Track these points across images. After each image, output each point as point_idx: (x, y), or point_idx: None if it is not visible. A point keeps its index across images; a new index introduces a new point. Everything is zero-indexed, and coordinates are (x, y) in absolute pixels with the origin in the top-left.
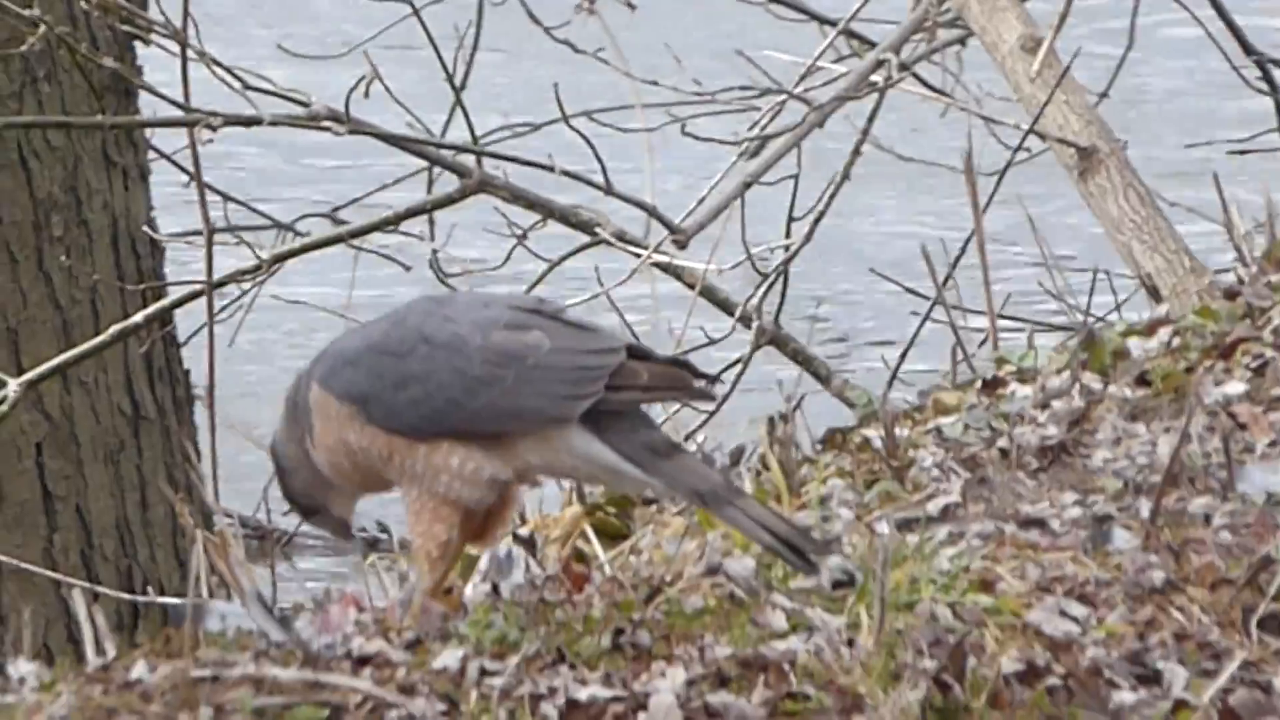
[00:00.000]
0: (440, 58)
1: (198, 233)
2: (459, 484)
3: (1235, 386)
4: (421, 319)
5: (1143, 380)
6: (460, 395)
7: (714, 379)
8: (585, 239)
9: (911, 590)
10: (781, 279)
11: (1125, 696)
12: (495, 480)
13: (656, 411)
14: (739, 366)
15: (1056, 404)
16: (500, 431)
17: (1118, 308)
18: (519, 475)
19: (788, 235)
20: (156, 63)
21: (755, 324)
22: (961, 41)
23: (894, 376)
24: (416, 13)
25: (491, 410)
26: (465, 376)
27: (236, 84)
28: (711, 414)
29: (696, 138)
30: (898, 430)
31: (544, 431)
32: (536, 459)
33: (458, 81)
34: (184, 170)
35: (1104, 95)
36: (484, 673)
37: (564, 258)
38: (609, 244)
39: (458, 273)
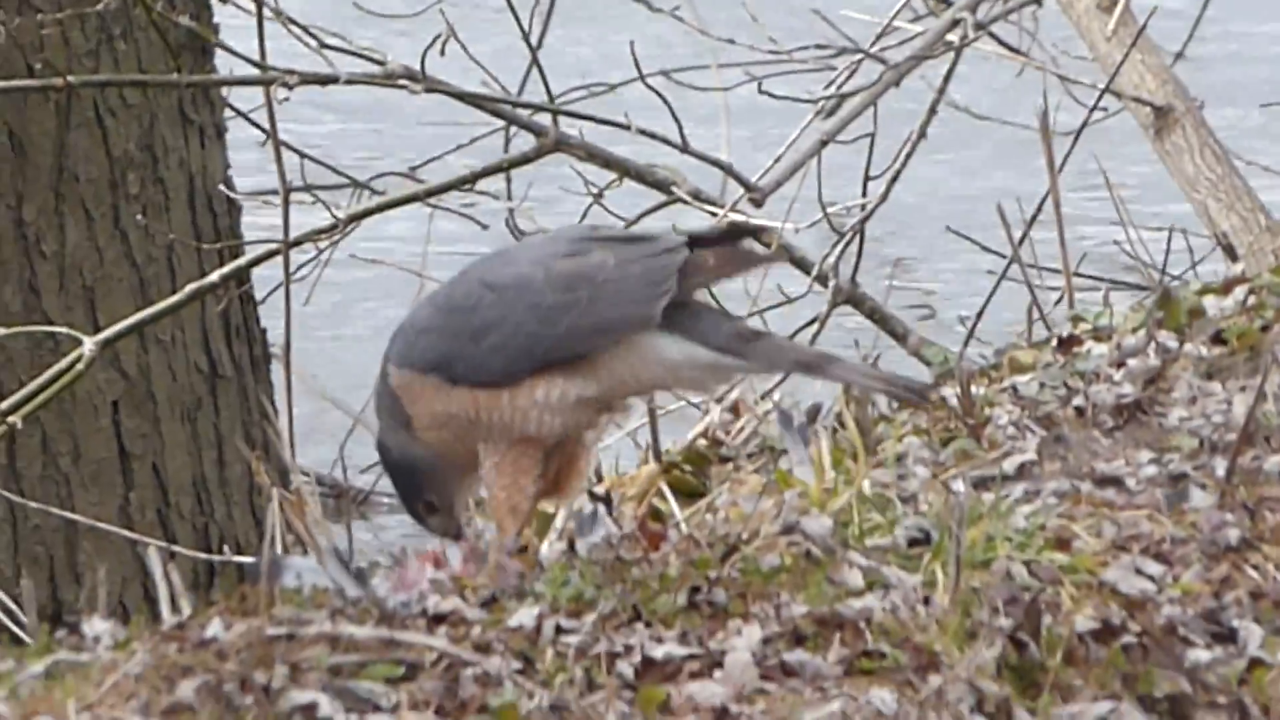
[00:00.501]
0: (516, 17)
1: (274, 191)
2: (549, 415)
3: None
4: (481, 270)
5: (1218, 339)
6: (539, 327)
7: (768, 230)
8: (661, 197)
9: (987, 548)
10: (858, 238)
11: (1200, 655)
12: (582, 400)
13: None
14: (815, 325)
15: (1132, 362)
16: (587, 351)
17: (1193, 266)
18: (608, 394)
19: (864, 194)
20: (233, 21)
21: (832, 283)
22: (1037, 1)
23: (970, 335)
24: None
25: (574, 332)
26: (540, 309)
27: (312, 43)
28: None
29: (773, 96)
30: (974, 388)
31: (630, 340)
32: (626, 371)
33: (534, 41)
34: (260, 128)
35: (1179, 55)
36: (560, 631)
37: (640, 216)
38: (685, 202)
39: (534, 231)
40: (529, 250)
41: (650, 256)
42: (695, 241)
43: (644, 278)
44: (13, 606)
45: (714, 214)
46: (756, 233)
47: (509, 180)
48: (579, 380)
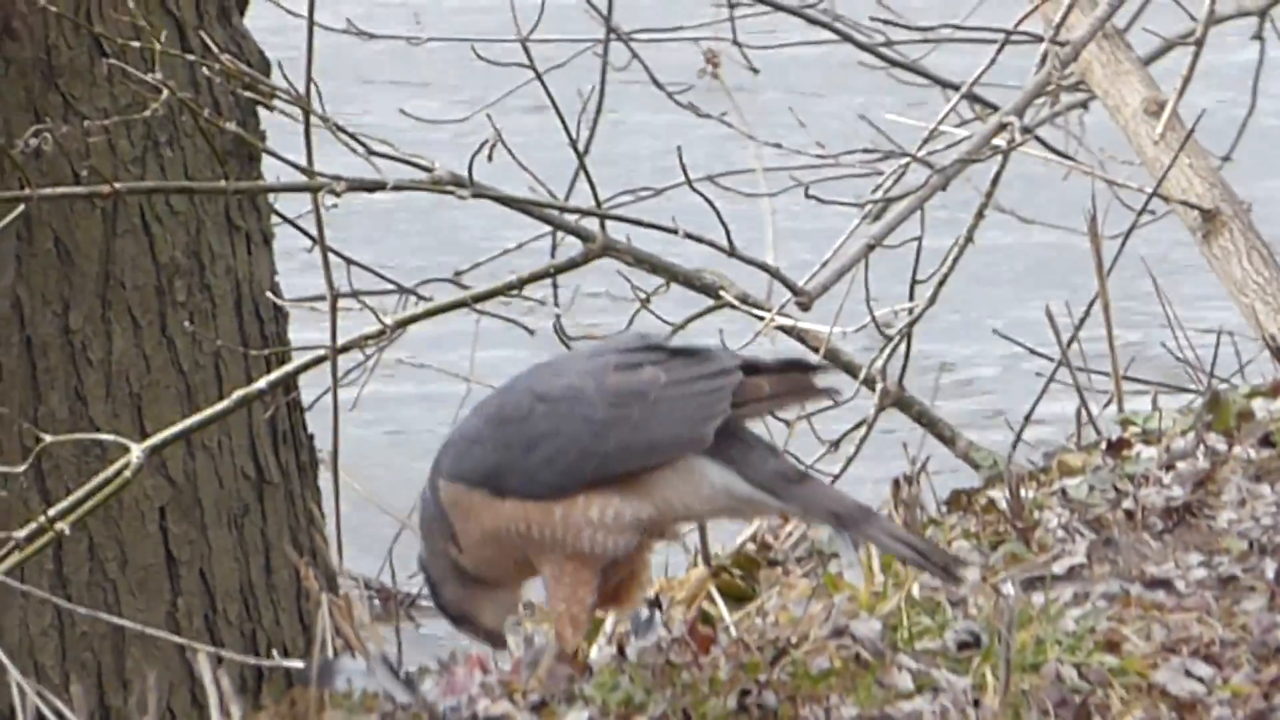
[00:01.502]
0: (563, 121)
1: (321, 298)
2: (602, 535)
3: None
4: (530, 380)
5: (1268, 441)
6: (591, 442)
7: (825, 368)
8: (709, 302)
9: (1037, 651)
10: (905, 341)
11: None
12: (638, 521)
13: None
14: (863, 429)
15: (1181, 465)
16: (637, 469)
17: (1242, 370)
18: (658, 517)
19: (911, 298)
20: (280, 127)
21: (879, 386)
22: (1084, 105)
23: (1019, 438)
24: (539, 76)
25: (625, 449)
26: (592, 422)
27: (360, 149)
28: (837, 476)
29: (820, 200)
30: (1023, 492)
31: (679, 463)
32: (674, 495)
33: (581, 145)
34: (307, 235)
35: (1227, 158)
36: None
37: (687, 321)
38: (732, 307)
39: (581, 337)
40: (578, 362)
41: (704, 378)
42: (750, 369)
43: (697, 399)
44: (63, 712)
45: (761, 318)
46: (812, 367)
47: (555, 285)
48: (633, 500)
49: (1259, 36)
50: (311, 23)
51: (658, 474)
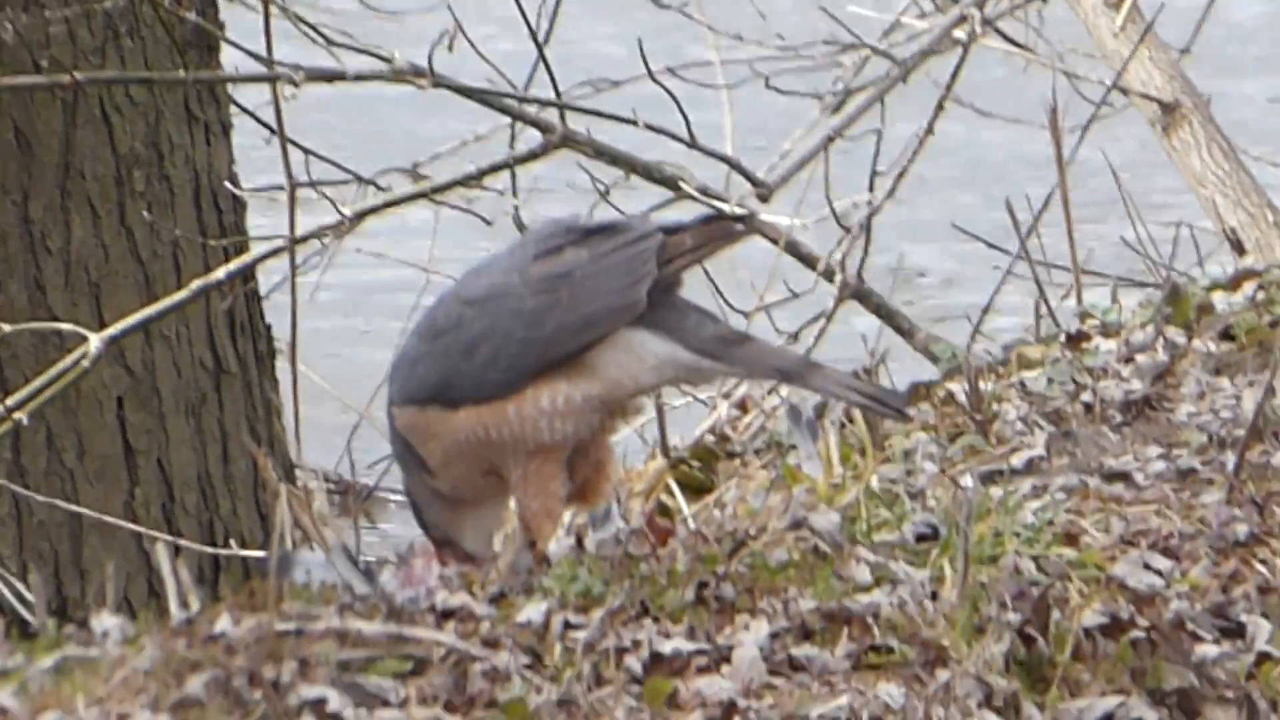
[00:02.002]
0: (523, 12)
1: (280, 188)
2: (559, 421)
3: None
4: (456, 288)
5: (1227, 335)
6: (527, 331)
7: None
8: (668, 194)
9: (995, 544)
10: (864, 234)
11: (1208, 649)
12: (589, 400)
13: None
14: (822, 322)
15: (1140, 358)
16: (577, 348)
17: (1201, 263)
18: (607, 395)
19: (871, 190)
20: (240, 18)
21: (838, 278)
22: None
23: (977, 331)
24: None
25: (562, 330)
26: (524, 313)
27: (320, 39)
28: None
29: (780, 92)
30: (982, 384)
31: (618, 338)
32: (619, 370)
33: (541, 36)
34: (266, 125)
35: (1186, 51)
36: (568, 626)
37: (647, 212)
38: (692, 199)
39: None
40: (499, 260)
41: (625, 246)
42: (669, 230)
43: (622, 267)
44: (19, 602)
45: (720, 210)
46: (733, 217)
47: (514, 178)
48: (580, 382)
49: None
50: None
51: (599, 351)
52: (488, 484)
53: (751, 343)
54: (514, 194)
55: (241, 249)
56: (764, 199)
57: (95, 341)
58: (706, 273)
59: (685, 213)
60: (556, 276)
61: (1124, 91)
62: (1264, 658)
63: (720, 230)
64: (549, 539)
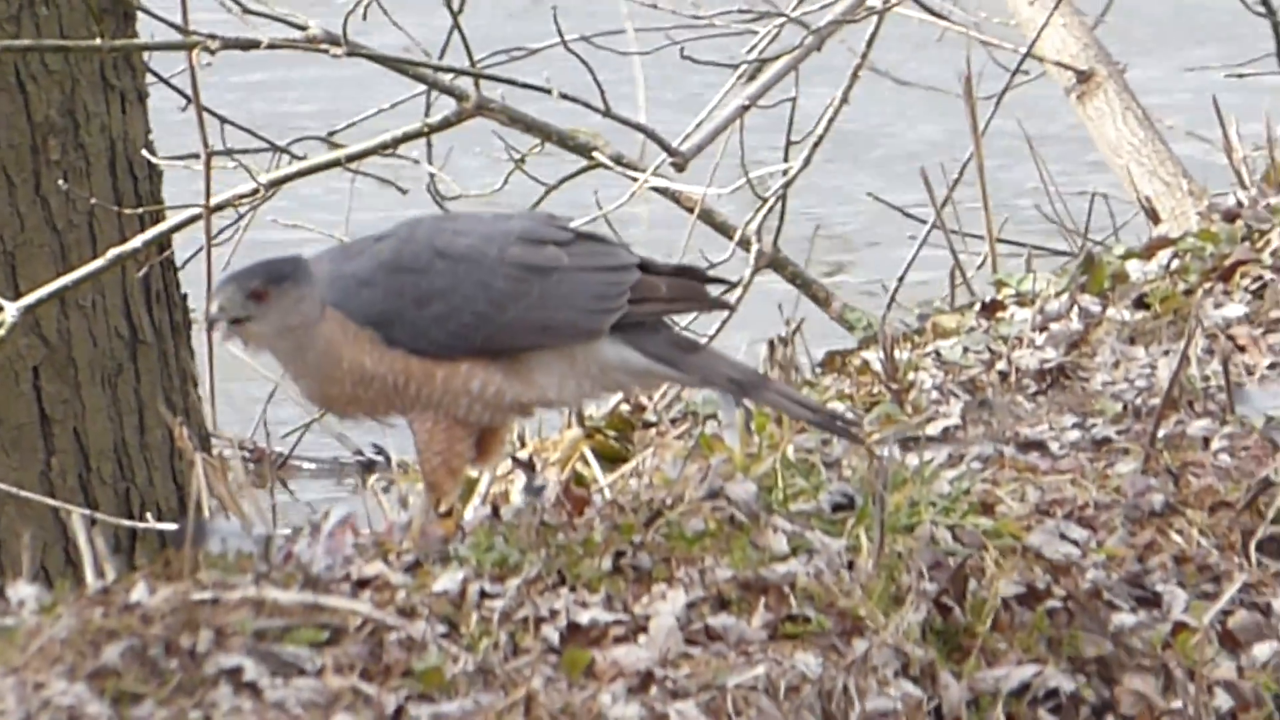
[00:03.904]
0: None
1: (195, 156)
2: (479, 408)
3: (1234, 309)
4: (431, 234)
5: (1141, 303)
6: (487, 309)
7: (729, 287)
8: (583, 162)
9: (911, 513)
10: (780, 202)
11: (1125, 619)
12: (516, 403)
13: None
14: (738, 290)
15: (1055, 327)
16: (525, 347)
17: (1116, 231)
18: (536, 401)
19: (786, 159)
20: None
21: (754, 247)
22: None
23: (893, 299)
24: None
25: (519, 325)
26: (490, 289)
27: (235, 7)
28: (712, 337)
29: (695, 60)
30: (897, 353)
31: (570, 347)
32: (558, 382)
33: (455, 4)
34: (182, 94)
35: (1101, 18)
36: (484, 595)
37: (562, 181)
38: (607, 167)
39: (455, 197)
40: (482, 224)
41: (606, 269)
42: (645, 268)
43: (596, 289)
44: None
45: (636, 178)
46: (708, 278)
47: (430, 145)
48: (515, 383)
49: None
50: None
51: (544, 358)
52: (364, 406)
53: (705, 351)
54: (429, 162)
55: (157, 218)
56: (679, 168)
57: (11, 310)
58: (620, 241)
59: (602, 181)
60: (533, 268)
61: (1039, 59)
62: (1180, 627)
63: (692, 292)
64: (449, 494)
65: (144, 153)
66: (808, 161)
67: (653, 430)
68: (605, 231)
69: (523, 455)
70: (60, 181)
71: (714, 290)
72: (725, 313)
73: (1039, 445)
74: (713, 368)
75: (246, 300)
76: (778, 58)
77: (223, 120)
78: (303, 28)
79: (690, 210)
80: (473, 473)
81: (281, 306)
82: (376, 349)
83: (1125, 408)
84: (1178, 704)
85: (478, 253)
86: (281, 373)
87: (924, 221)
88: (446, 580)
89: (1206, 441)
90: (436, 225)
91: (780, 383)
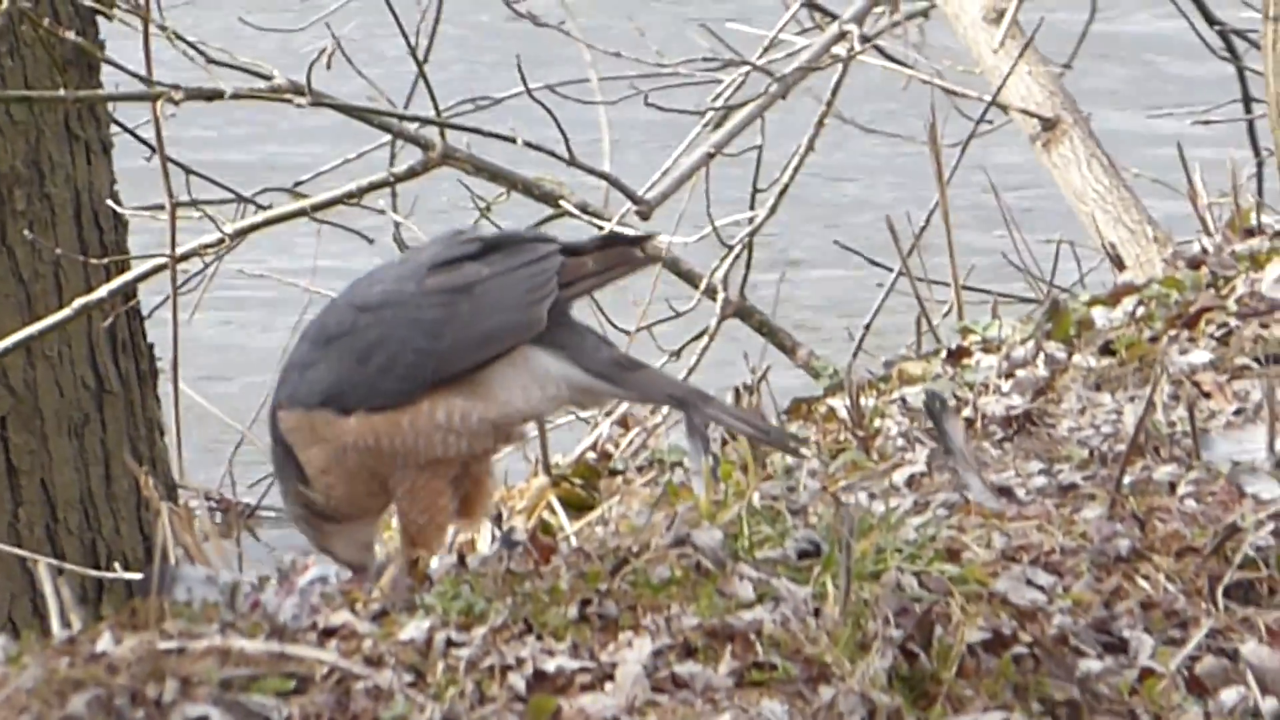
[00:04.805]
0: (403, 30)
1: (160, 206)
2: (453, 438)
3: (1200, 355)
4: (348, 295)
5: (1107, 350)
6: (425, 341)
7: (650, 236)
8: (549, 210)
9: (878, 560)
10: (746, 251)
11: (1092, 665)
12: (484, 422)
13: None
14: (705, 339)
15: (1021, 373)
16: (475, 364)
17: (1082, 279)
18: (501, 417)
19: (752, 207)
20: (119, 37)
21: (721, 296)
22: (924, 14)
23: (859, 347)
24: None
25: (461, 344)
26: (421, 323)
27: (199, 58)
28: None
29: (660, 109)
30: (863, 400)
31: (516, 357)
32: (515, 392)
33: (420, 54)
34: (146, 144)
35: (1067, 66)
36: (451, 644)
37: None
38: (572, 215)
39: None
40: (391, 269)
41: (526, 265)
42: (570, 251)
43: (523, 285)
44: None
45: (601, 227)
46: (634, 241)
47: (394, 195)
48: (477, 402)
49: None
50: None
51: (497, 370)
52: (364, 496)
53: (646, 369)
54: (394, 211)
55: (123, 267)
56: (644, 216)
57: None
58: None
59: (567, 230)
60: (454, 290)
61: (1003, 108)
62: (1147, 673)
63: (621, 256)
64: (436, 553)
65: (109, 203)
66: (774, 209)
67: (619, 478)
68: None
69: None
70: (26, 232)
71: (648, 250)
72: (654, 267)
73: (1005, 491)
74: (653, 384)
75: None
76: (743, 105)
77: (188, 171)
78: (267, 77)
79: (658, 260)
80: (460, 530)
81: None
82: (336, 423)
83: (1091, 454)
84: None
85: (396, 295)
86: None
87: (890, 269)
88: (413, 629)
89: (1173, 487)
90: (351, 286)
91: (721, 400)
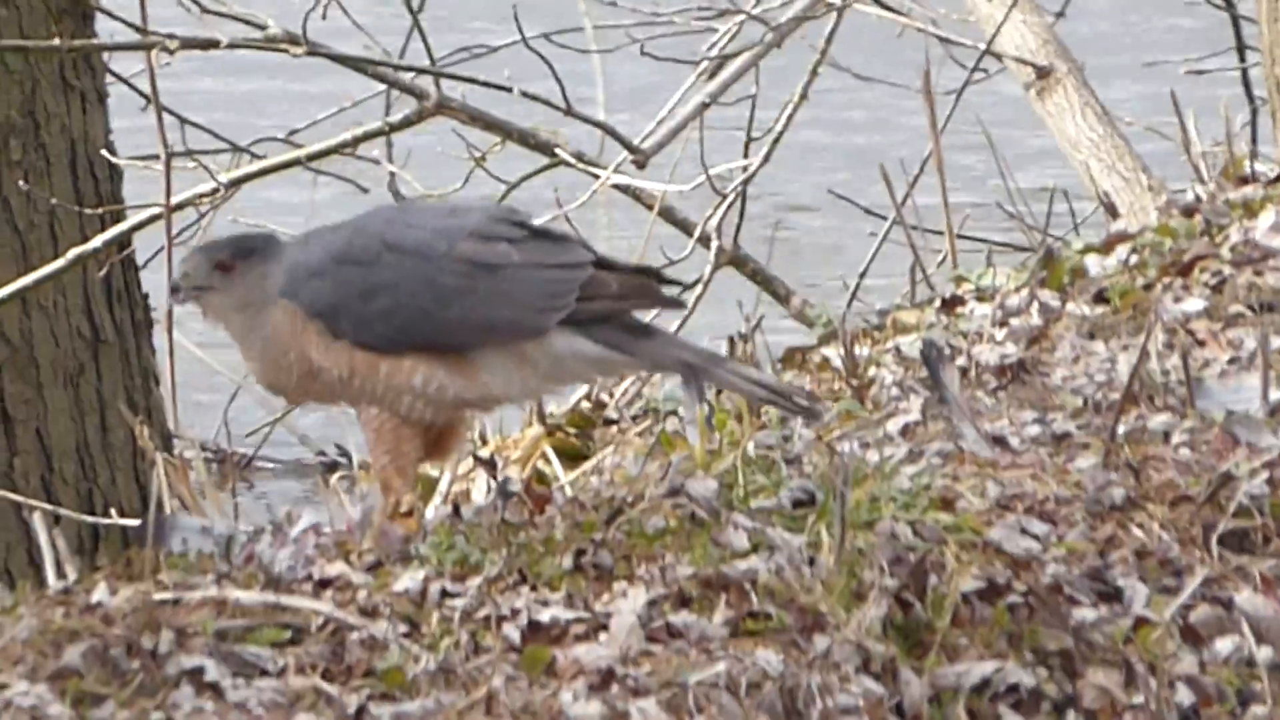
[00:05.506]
0: None
1: (155, 156)
2: (421, 404)
3: (1194, 303)
4: (383, 226)
5: (1101, 298)
6: (431, 305)
7: (684, 287)
8: (544, 160)
9: (872, 509)
10: (740, 199)
11: (1086, 613)
12: (459, 400)
13: None
14: (699, 287)
15: (1015, 322)
16: (470, 344)
17: (1076, 227)
18: (479, 399)
19: (746, 155)
20: None
21: (715, 244)
22: None
23: (853, 296)
24: None
25: (464, 322)
26: (435, 285)
27: (193, 7)
28: (675, 332)
29: (655, 57)
30: (857, 349)
31: (514, 345)
32: (502, 380)
33: (414, 3)
34: (141, 94)
35: (1060, 14)
36: (445, 594)
37: (522, 179)
38: (568, 164)
39: (416, 195)
40: (435, 218)
41: (556, 266)
42: (601, 264)
43: (545, 286)
44: None
45: (596, 176)
46: (663, 278)
47: (390, 144)
48: (458, 379)
49: None
50: None
51: (489, 354)
52: (303, 394)
53: (656, 334)
54: (389, 161)
55: (118, 217)
56: (640, 165)
57: None
58: (581, 239)
59: (563, 181)
60: (480, 265)
61: (997, 56)
62: (1141, 621)
63: (644, 288)
64: (400, 494)
65: (104, 153)
66: (767, 158)
67: (614, 428)
68: (566, 228)
69: (484, 454)
70: (21, 182)
71: (670, 291)
72: (681, 311)
73: (999, 440)
74: (664, 351)
75: (212, 270)
76: (738, 54)
77: (183, 120)
78: (262, 27)
79: (650, 208)
80: (433, 471)
81: (245, 281)
82: (323, 341)
83: (1085, 402)
84: (1139, 699)
85: (427, 247)
86: (245, 374)
87: (884, 217)
88: (408, 580)
89: (1167, 436)
90: (390, 216)
91: (734, 361)
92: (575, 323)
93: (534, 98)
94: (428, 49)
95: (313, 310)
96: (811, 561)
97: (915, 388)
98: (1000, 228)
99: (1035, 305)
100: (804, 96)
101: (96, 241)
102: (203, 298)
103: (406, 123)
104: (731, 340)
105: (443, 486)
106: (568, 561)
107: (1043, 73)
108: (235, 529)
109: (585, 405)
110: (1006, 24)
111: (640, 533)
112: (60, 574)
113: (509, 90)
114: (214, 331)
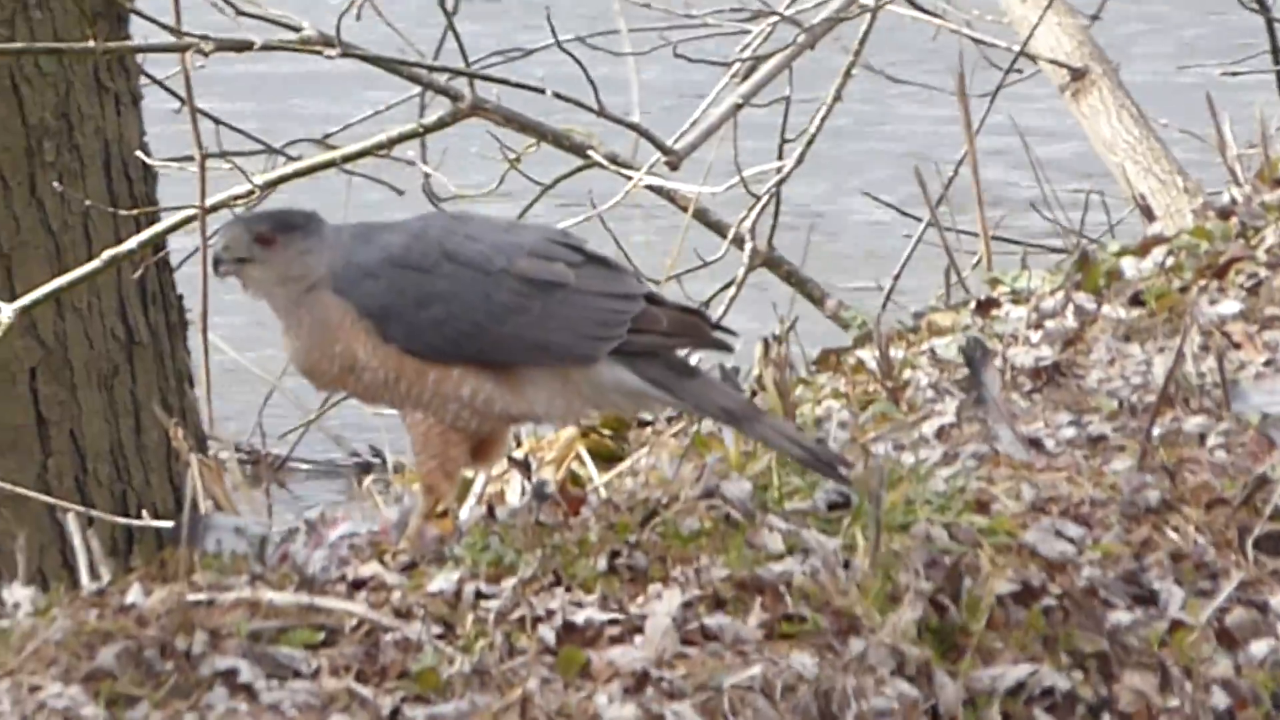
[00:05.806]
0: None
1: (190, 158)
2: (467, 414)
3: (1230, 306)
4: (442, 234)
5: (1136, 300)
6: (485, 319)
7: (733, 333)
8: (578, 162)
9: (907, 511)
10: (774, 200)
11: (1121, 616)
12: (506, 414)
13: None
14: (733, 288)
15: (1050, 324)
16: (519, 361)
17: (1111, 229)
18: (526, 414)
19: (780, 157)
20: None
21: (748, 246)
22: None
23: (888, 298)
24: None
25: (517, 340)
26: (491, 300)
27: (228, 9)
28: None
29: (689, 59)
30: (892, 351)
31: (562, 368)
32: (549, 398)
33: (450, 5)
34: (176, 95)
35: (1095, 17)
36: (480, 596)
37: (556, 181)
38: (602, 166)
39: (450, 198)
40: (494, 232)
41: (611, 295)
42: (651, 299)
43: (598, 315)
44: None
45: (630, 177)
46: (712, 322)
47: (424, 146)
48: (506, 394)
49: None
50: None
51: (539, 374)
52: (342, 386)
53: (701, 378)
54: (424, 162)
55: (152, 219)
56: (673, 166)
57: (7, 312)
58: (617, 242)
59: (597, 183)
60: (537, 284)
61: (1032, 58)
62: (1177, 624)
63: (693, 328)
64: (446, 497)
65: (138, 154)
66: (801, 159)
67: (648, 429)
68: (619, 257)
69: (519, 455)
70: (55, 183)
71: (718, 335)
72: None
73: (1034, 443)
74: (707, 395)
75: (252, 243)
76: (771, 56)
77: (217, 122)
78: (297, 29)
79: (684, 209)
80: (470, 474)
81: (286, 256)
82: (371, 341)
83: (1121, 405)
84: (1175, 702)
85: (485, 260)
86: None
87: (919, 219)
88: (442, 581)
89: (1202, 438)
90: (450, 225)
91: (773, 416)
92: (623, 354)
93: (567, 99)
94: (462, 51)
95: (364, 310)
96: (846, 564)
97: (950, 390)
98: (1036, 229)
99: (1070, 307)
100: (838, 98)
101: (131, 243)
102: (243, 270)
103: (441, 124)
104: (766, 341)
105: (477, 488)
106: (602, 563)
107: (1077, 74)
108: (269, 530)
109: None
110: (1041, 26)
111: (675, 534)
112: (94, 575)
113: (542, 92)
114: (249, 334)
